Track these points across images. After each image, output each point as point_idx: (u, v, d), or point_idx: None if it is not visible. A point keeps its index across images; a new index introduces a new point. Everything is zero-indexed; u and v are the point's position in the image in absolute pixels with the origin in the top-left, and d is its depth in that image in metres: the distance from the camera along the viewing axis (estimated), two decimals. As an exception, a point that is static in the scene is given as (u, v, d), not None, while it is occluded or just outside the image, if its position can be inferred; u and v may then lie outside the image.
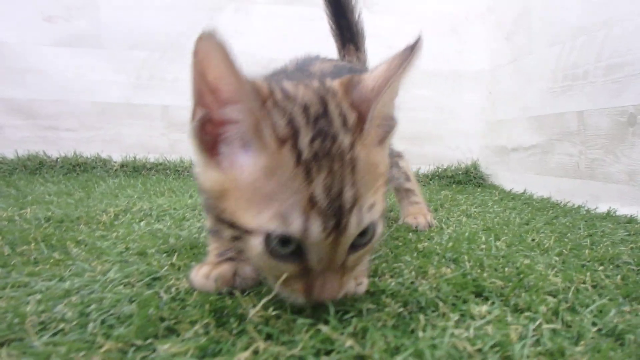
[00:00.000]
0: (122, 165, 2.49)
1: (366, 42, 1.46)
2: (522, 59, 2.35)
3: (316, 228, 0.53)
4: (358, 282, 0.72)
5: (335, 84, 0.63)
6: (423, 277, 0.82)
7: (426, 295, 0.72)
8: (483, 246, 1.06)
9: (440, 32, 2.74)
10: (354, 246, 0.58)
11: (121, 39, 2.56)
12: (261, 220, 0.54)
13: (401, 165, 1.44)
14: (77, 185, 1.97)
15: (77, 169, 2.44)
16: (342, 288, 0.60)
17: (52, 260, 0.85)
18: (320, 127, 0.56)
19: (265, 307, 0.62)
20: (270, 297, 0.59)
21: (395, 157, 1.40)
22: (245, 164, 0.56)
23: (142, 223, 1.22)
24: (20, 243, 0.96)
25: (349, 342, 0.52)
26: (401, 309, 0.67)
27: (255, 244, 0.56)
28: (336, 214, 0.53)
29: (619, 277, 0.87)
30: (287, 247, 0.55)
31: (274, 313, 0.61)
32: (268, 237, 0.55)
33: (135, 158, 2.54)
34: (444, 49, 2.74)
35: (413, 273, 0.83)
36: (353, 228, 0.55)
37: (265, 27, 2.63)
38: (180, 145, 2.63)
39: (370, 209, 0.56)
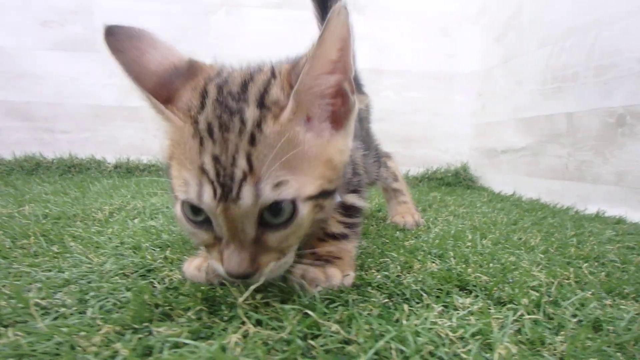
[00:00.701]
0: (116, 167, 2.52)
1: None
2: (512, 60, 2.39)
3: (206, 195, 0.55)
4: (345, 274, 0.75)
5: (285, 65, 0.64)
6: (408, 271, 0.85)
7: (411, 288, 0.75)
8: (469, 244, 1.09)
9: (431, 35, 2.79)
10: (270, 225, 0.57)
11: None
12: (176, 186, 0.58)
13: (389, 166, 1.47)
14: (72, 185, 1.98)
15: (73, 169, 2.47)
16: (255, 265, 0.58)
17: (51, 253, 0.88)
18: (225, 103, 0.57)
19: (253, 296, 0.64)
20: (257, 284, 0.61)
21: (383, 157, 1.43)
22: (173, 136, 0.61)
23: (135, 220, 1.25)
24: (20, 237, 0.99)
25: (335, 327, 0.55)
26: (386, 300, 0.70)
27: (177, 210, 0.61)
28: (225, 184, 0.54)
29: (603, 273, 0.90)
30: (198, 215, 0.59)
31: (263, 301, 0.64)
32: (182, 204, 0.59)
33: (128, 159, 2.58)
34: (434, 51, 2.79)
35: (399, 267, 0.86)
36: (246, 200, 0.54)
37: (256, 31, 2.68)
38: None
39: (277, 187, 0.54)
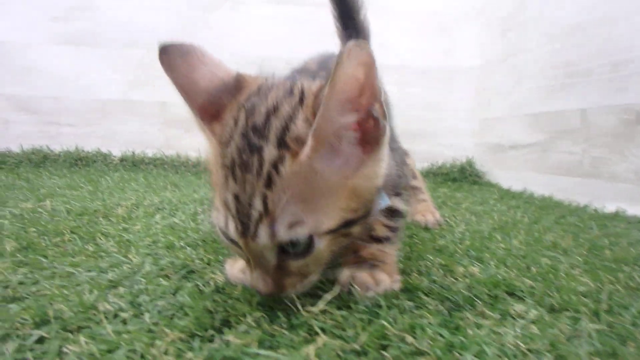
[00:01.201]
0: (121, 160, 2.52)
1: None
2: (516, 56, 2.35)
3: (231, 229, 0.57)
4: (393, 280, 0.73)
5: (314, 86, 0.62)
6: (451, 274, 0.83)
7: (462, 294, 0.73)
8: (502, 245, 1.08)
9: (431, 30, 2.77)
10: (290, 255, 0.58)
11: (119, 38, 2.61)
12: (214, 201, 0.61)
13: (408, 163, 1.45)
14: (82, 178, 1.96)
15: (79, 162, 2.45)
16: (279, 287, 0.60)
17: (87, 252, 0.87)
18: (248, 138, 0.57)
19: (309, 302, 0.63)
20: (333, 295, 0.60)
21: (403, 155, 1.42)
22: (212, 153, 0.63)
23: (157, 217, 1.23)
24: (53, 234, 0.98)
25: (408, 338, 0.53)
26: (440, 307, 0.68)
27: (213, 218, 0.62)
28: (244, 222, 0.56)
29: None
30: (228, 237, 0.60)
31: (321, 307, 0.62)
32: None
33: (134, 153, 2.57)
34: (435, 47, 2.77)
35: (441, 271, 0.84)
36: (262, 239, 0.55)
37: (259, 27, 2.66)
38: (176, 141, 2.66)
39: (292, 227, 0.55)
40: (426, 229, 1.29)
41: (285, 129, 0.57)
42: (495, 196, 2.04)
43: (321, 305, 0.60)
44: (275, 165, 0.55)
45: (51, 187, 1.64)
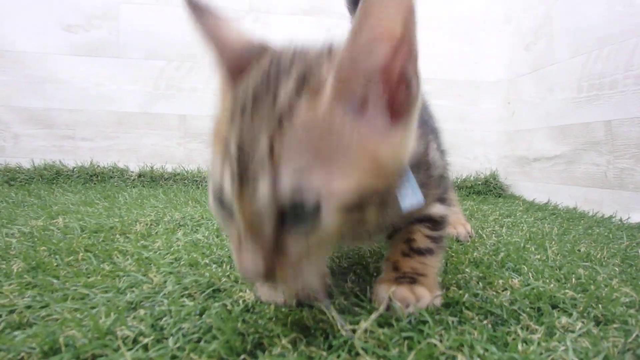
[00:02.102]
0: (139, 175, 2.45)
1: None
2: (543, 68, 2.34)
3: (227, 180, 0.48)
4: (434, 295, 0.69)
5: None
6: (490, 287, 0.79)
7: (505, 307, 0.69)
8: (537, 257, 1.03)
9: (458, 42, 2.74)
10: (291, 228, 0.48)
11: (139, 48, 2.56)
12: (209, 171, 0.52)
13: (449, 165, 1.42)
14: (97, 195, 1.93)
15: (95, 178, 2.40)
16: (267, 269, 0.48)
17: (103, 272, 0.82)
18: (268, 76, 0.51)
19: (350, 321, 0.58)
20: (378, 314, 0.55)
21: None
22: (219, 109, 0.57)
23: (179, 233, 1.19)
24: (65, 253, 0.93)
25: (459, 357, 0.49)
26: (484, 322, 0.64)
27: (209, 201, 0.54)
28: (244, 170, 0.47)
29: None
30: (224, 207, 0.51)
31: (362, 326, 0.57)
32: (213, 191, 0.52)
33: (152, 168, 2.50)
34: (461, 59, 2.74)
35: (480, 284, 0.80)
36: (263, 192, 0.45)
37: (284, 38, 2.62)
38: (197, 155, 2.61)
39: (300, 176, 0.45)
40: (457, 241, 1.24)
41: (309, 72, 0.50)
42: (520, 208, 1.99)
43: (364, 324, 0.55)
44: (290, 106, 0.47)
45: (64, 204, 1.61)
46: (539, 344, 0.57)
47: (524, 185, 2.53)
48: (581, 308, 0.71)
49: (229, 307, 0.66)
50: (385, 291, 0.68)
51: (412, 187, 0.59)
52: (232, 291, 0.72)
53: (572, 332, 0.62)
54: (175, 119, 2.60)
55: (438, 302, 0.69)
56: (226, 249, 1.01)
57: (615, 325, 0.65)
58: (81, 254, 0.90)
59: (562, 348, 0.56)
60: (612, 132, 1.86)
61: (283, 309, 0.64)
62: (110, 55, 2.53)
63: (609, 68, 1.87)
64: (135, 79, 2.54)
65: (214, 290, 0.73)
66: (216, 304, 0.66)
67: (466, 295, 0.72)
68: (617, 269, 0.97)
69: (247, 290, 0.72)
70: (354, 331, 0.56)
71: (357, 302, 0.68)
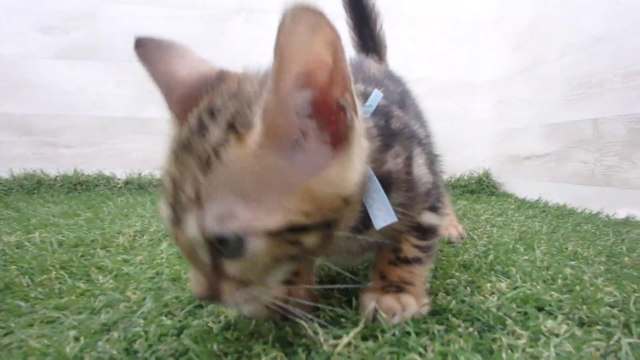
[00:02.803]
0: (126, 183, 2.40)
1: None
2: (535, 67, 2.36)
3: (165, 215, 0.51)
4: (421, 303, 0.68)
5: None
6: (478, 292, 0.78)
7: (491, 313, 0.68)
8: (525, 257, 1.03)
9: (451, 42, 2.73)
10: (224, 254, 0.50)
11: (121, 50, 2.43)
12: None
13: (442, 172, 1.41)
14: (81, 205, 1.89)
15: (79, 187, 2.35)
16: (212, 292, 0.52)
17: (78, 291, 0.79)
18: (202, 116, 0.52)
19: (334, 334, 0.56)
20: (356, 331, 0.54)
21: None
22: None
23: (164, 245, 1.16)
24: (37, 272, 0.89)
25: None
26: (470, 329, 0.63)
27: None
28: (175, 208, 0.50)
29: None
30: None
31: (344, 341, 0.56)
32: None
33: (140, 175, 2.45)
34: (455, 59, 2.73)
35: (468, 289, 0.79)
36: (191, 229, 0.48)
37: (268, 41, 2.58)
38: (187, 161, 2.55)
39: (222, 220, 0.47)
40: (449, 242, 1.23)
41: (239, 112, 0.51)
42: (512, 206, 2.00)
43: (345, 339, 0.53)
44: (216, 149, 0.48)
45: (44, 217, 1.56)
46: (523, 350, 0.56)
47: (516, 183, 2.54)
48: (567, 310, 0.71)
49: (210, 324, 0.64)
50: (371, 301, 0.66)
51: (385, 206, 0.59)
52: (214, 307, 0.70)
53: (557, 336, 0.61)
54: (162, 123, 2.54)
55: (425, 310, 0.67)
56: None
57: (598, 327, 0.64)
58: (54, 273, 0.87)
59: (546, 354, 0.55)
60: (599, 130, 1.88)
61: (265, 324, 0.61)
62: (92, 58, 2.45)
63: (597, 67, 1.89)
64: (120, 83, 2.46)
65: (195, 307, 0.71)
66: (195, 322, 0.64)
67: (453, 302, 0.71)
68: (602, 267, 0.97)
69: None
70: (335, 346, 0.54)
71: (343, 314, 0.67)
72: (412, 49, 2.60)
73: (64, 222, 1.46)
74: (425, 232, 0.73)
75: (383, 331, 0.59)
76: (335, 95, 0.49)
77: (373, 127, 0.63)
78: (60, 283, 0.83)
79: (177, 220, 0.49)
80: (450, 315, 0.67)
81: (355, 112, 0.50)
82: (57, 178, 2.36)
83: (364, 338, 0.57)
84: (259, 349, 0.54)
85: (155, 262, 0.98)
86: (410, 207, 0.67)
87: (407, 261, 0.71)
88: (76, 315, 0.68)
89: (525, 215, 1.75)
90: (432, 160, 0.76)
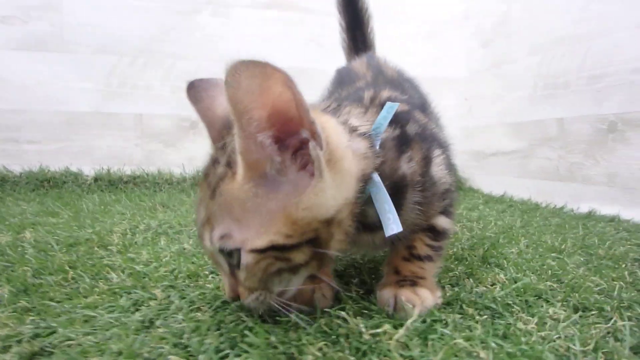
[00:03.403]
0: (96, 179, 2.34)
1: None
2: (501, 66, 2.47)
3: (197, 231, 0.64)
4: (435, 296, 0.74)
5: None
6: (481, 283, 0.85)
7: (498, 301, 0.75)
8: (511, 250, 1.11)
9: (418, 38, 2.81)
10: (232, 264, 0.62)
11: (86, 42, 2.39)
12: None
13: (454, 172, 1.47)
14: (56, 203, 1.83)
15: (46, 184, 2.26)
16: (233, 293, 0.64)
17: (98, 290, 0.80)
18: (217, 152, 0.64)
19: (366, 325, 0.61)
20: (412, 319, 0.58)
21: None
22: None
23: (161, 242, 1.17)
24: (51, 272, 0.88)
25: (480, 352, 0.53)
26: (484, 316, 0.69)
27: None
28: (198, 226, 0.63)
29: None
30: None
31: (373, 330, 0.61)
32: None
33: (109, 171, 2.40)
34: (421, 55, 2.79)
35: (471, 280, 0.86)
36: (207, 242, 0.60)
37: (244, 31, 2.58)
38: (157, 157, 2.51)
39: (223, 238, 0.58)
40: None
41: (233, 150, 0.58)
42: (481, 201, 2.11)
43: (401, 332, 0.58)
44: (218, 181, 0.59)
45: (22, 215, 1.51)
46: (533, 334, 0.63)
47: (480, 179, 2.66)
48: (560, 297, 0.79)
49: (243, 318, 0.67)
50: (391, 294, 0.72)
51: (393, 216, 0.65)
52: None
53: (558, 320, 0.69)
54: (130, 118, 2.49)
55: (439, 301, 0.74)
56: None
57: (593, 312, 0.73)
58: (71, 273, 0.86)
59: (556, 336, 0.62)
60: (564, 129, 2.02)
61: (303, 316, 0.65)
62: (54, 50, 2.35)
63: (563, 68, 2.02)
64: (85, 77, 2.38)
65: (222, 302, 0.74)
66: (230, 317, 0.67)
67: (463, 293, 0.78)
68: (581, 258, 1.07)
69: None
70: (375, 335, 0.59)
71: (366, 306, 0.72)
72: (379, 44, 2.66)
73: (48, 221, 1.42)
74: (438, 234, 0.79)
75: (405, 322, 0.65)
76: (296, 130, 0.56)
77: (387, 139, 0.70)
78: (77, 282, 0.83)
79: (200, 235, 0.62)
80: (463, 305, 0.73)
81: (319, 143, 0.56)
82: (22, 175, 2.27)
83: (395, 327, 0.62)
84: (304, 339, 0.58)
85: (163, 260, 0.99)
86: (427, 205, 0.73)
87: (420, 258, 0.77)
88: (109, 314, 0.69)
89: (495, 210, 1.87)
90: (450, 164, 0.82)
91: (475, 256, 1.05)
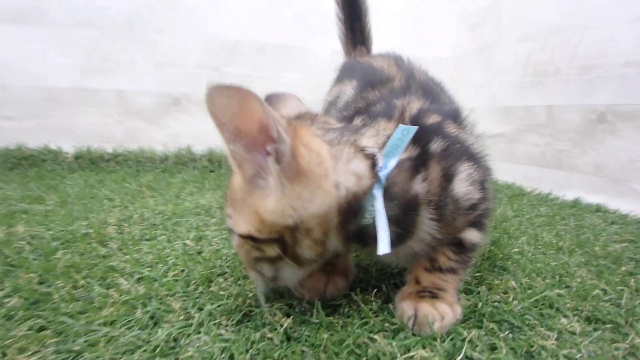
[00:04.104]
0: (76, 157, 2.25)
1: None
2: (489, 50, 2.46)
3: None
4: (454, 311, 0.74)
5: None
6: (494, 291, 0.86)
7: (515, 314, 0.76)
8: (515, 249, 1.13)
9: (404, 19, 2.75)
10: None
11: (66, 16, 2.27)
12: None
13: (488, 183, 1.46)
14: (36, 183, 1.76)
15: (24, 162, 2.17)
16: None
17: (111, 300, 0.77)
18: None
19: (401, 347, 0.61)
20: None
21: None
22: None
23: (160, 237, 1.14)
24: (57, 278, 0.85)
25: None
26: (505, 332, 0.70)
27: None
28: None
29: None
30: None
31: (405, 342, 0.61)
32: None
33: (89, 149, 2.31)
34: (407, 35, 2.76)
35: (484, 287, 0.87)
36: (225, 219, 0.72)
37: (229, 8, 2.48)
38: (139, 134, 2.43)
39: (227, 217, 0.70)
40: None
41: None
42: (466, 184, 2.12)
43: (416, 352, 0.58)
44: (230, 180, 0.70)
45: (6, 202, 1.44)
46: (557, 355, 0.64)
47: (466, 162, 2.69)
48: (570, 306, 0.81)
49: (268, 335, 0.66)
50: (410, 307, 0.72)
51: (387, 238, 0.65)
52: (262, 316, 0.72)
53: (574, 333, 0.71)
54: (112, 94, 2.39)
55: (459, 316, 0.74)
56: (226, 259, 0.99)
57: (607, 325, 0.74)
58: (81, 281, 0.83)
59: (579, 355, 0.64)
60: (553, 116, 2.04)
61: (324, 334, 0.65)
62: (33, 24, 2.22)
63: (554, 57, 2.02)
64: (65, 51, 2.27)
65: (243, 315, 0.73)
66: (256, 334, 0.66)
67: (480, 304, 0.78)
68: (581, 258, 1.10)
69: (277, 311, 0.73)
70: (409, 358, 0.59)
71: (387, 318, 0.72)
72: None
73: (35, 209, 1.36)
74: (464, 248, 0.78)
75: (434, 339, 0.65)
76: (263, 143, 0.62)
77: (405, 159, 0.70)
78: (87, 291, 0.80)
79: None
80: (483, 319, 0.74)
81: (280, 157, 0.62)
82: (-1, 152, 2.16)
83: (423, 347, 0.62)
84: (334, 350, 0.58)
85: (169, 261, 0.96)
86: (447, 222, 0.73)
87: (441, 270, 0.77)
88: (129, 330, 0.67)
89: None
90: (484, 175, 0.80)
91: (481, 257, 1.06)
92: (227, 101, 0.58)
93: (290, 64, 2.62)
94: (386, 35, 2.70)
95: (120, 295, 0.78)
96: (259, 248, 0.67)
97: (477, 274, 0.94)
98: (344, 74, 1.14)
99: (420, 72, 1.02)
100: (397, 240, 0.69)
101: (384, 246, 0.64)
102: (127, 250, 1.03)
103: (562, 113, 1.99)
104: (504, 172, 2.32)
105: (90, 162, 2.26)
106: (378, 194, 0.66)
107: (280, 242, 0.65)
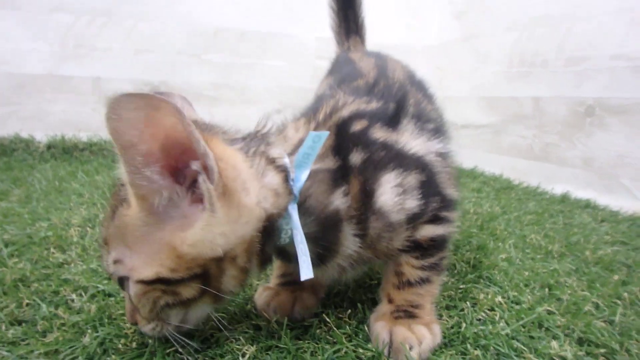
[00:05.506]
0: (49, 147, 2.15)
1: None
2: (474, 38, 2.39)
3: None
4: (433, 333, 0.68)
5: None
6: (479, 307, 0.80)
7: (502, 337, 0.70)
8: (502, 255, 1.07)
9: (391, 7, 2.67)
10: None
11: (41, 1, 2.15)
12: None
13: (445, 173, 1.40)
14: (4, 176, 1.66)
15: (-6, 152, 2.06)
16: (132, 318, 0.62)
17: (59, 322, 0.69)
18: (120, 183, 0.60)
19: None
20: None
21: None
22: None
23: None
24: (6, 293, 0.77)
25: None
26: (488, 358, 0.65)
27: None
28: (100, 244, 0.61)
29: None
30: None
31: None
32: None
33: (64, 137, 2.20)
34: (393, 22, 2.68)
35: (468, 304, 0.81)
36: (104, 265, 0.59)
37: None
38: (116, 122, 2.32)
39: (115, 263, 0.57)
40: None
41: None
42: (452, 175, 2.08)
43: None
44: (114, 210, 0.57)
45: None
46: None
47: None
48: (561, 324, 0.76)
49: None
50: (384, 330, 0.66)
51: (307, 260, 0.58)
52: (225, 340, 0.65)
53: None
54: (88, 81, 2.28)
55: (438, 340, 0.68)
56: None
57: (602, 350, 0.69)
58: (25, 300, 0.75)
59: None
60: (540, 108, 1.98)
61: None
62: (4, 7, 2.10)
63: (542, 48, 1.96)
64: (38, 36, 2.16)
65: (203, 342, 0.66)
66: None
67: (464, 325, 0.73)
68: (570, 265, 1.04)
69: (241, 338, 0.66)
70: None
71: (361, 344, 0.66)
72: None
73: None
74: (427, 249, 0.70)
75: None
76: (186, 162, 0.52)
77: (319, 171, 0.63)
78: (33, 310, 0.72)
79: (101, 255, 0.60)
80: (467, 344, 0.68)
81: (211, 176, 0.51)
82: (-33, 140, 2.05)
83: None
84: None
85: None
86: (376, 239, 0.65)
87: (411, 284, 0.70)
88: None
89: (469, 188, 1.85)
90: (428, 175, 0.69)
91: (465, 263, 1.00)
92: (137, 115, 0.47)
93: (274, 51, 2.53)
94: (374, 24, 2.62)
95: (70, 316, 0.71)
96: (173, 291, 0.56)
97: (461, 287, 0.88)
98: (334, 68, 1.07)
99: (398, 70, 0.94)
100: (319, 260, 0.64)
101: (305, 271, 0.57)
102: (86, 258, 0.95)
103: (550, 105, 1.94)
104: (490, 163, 2.28)
105: (63, 151, 2.16)
106: (294, 212, 0.59)
107: (202, 277, 0.55)
